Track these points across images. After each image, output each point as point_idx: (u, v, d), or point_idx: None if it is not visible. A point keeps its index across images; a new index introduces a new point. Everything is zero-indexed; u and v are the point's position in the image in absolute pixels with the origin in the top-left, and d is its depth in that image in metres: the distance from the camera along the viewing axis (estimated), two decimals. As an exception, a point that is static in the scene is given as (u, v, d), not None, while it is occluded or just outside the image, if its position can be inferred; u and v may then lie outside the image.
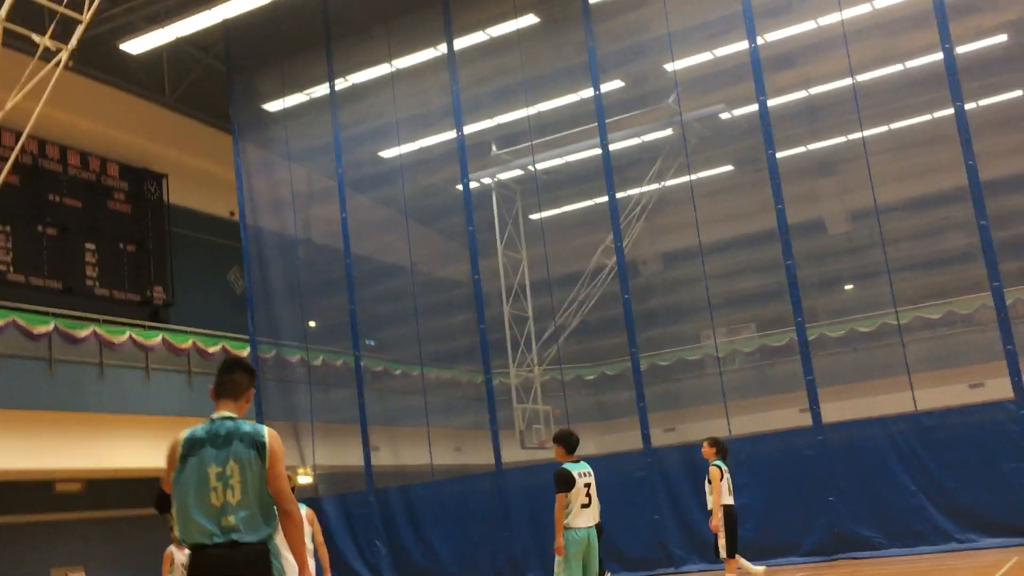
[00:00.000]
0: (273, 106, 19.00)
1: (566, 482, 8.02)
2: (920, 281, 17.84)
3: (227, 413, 4.61)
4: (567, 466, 8.18)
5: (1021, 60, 15.73)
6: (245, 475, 4.41)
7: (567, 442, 8.34)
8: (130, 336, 19.16)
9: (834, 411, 13.51)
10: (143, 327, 20.29)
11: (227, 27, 17.92)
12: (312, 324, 18.90)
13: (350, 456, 17.24)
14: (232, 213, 22.54)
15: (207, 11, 16.53)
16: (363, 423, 16.88)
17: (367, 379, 17.83)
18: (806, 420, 13.48)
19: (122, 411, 18.96)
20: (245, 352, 19.92)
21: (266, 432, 4.54)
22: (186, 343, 20.31)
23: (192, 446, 4.51)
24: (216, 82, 20.82)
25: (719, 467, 10.31)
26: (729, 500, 10.34)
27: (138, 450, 19.71)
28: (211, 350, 20.68)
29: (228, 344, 21.05)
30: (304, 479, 17.68)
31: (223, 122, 20.71)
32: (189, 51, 20.46)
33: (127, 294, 22.22)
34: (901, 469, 12.56)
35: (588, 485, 8.16)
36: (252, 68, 19.07)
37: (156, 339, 19.69)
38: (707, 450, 10.57)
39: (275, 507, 4.47)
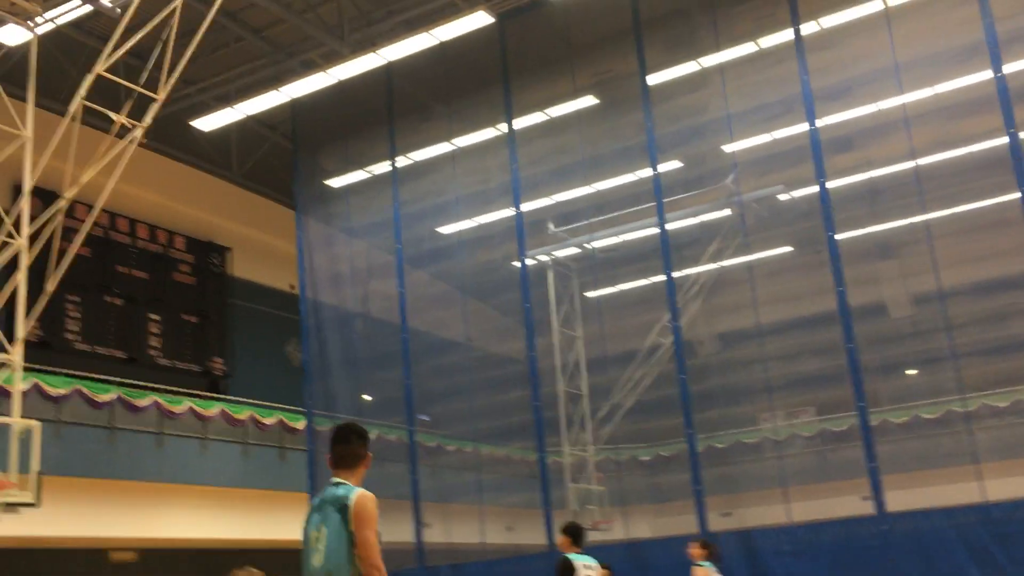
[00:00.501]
0: (335, 182, 19.41)
1: (568, 572, 8.27)
2: (987, 367, 17.38)
3: (338, 480, 4.64)
4: (570, 556, 8.43)
5: (1088, 144, 15.47)
6: (329, 537, 4.40)
7: (574, 534, 8.64)
8: (189, 406, 19.40)
9: (898, 500, 13.11)
10: (202, 397, 20.54)
11: (294, 106, 18.43)
12: (367, 398, 18.97)
13: (401, 532, 17.10)
14: (292, 286, 22.88)
15: (275, 91, 17.07)
16: (415, 499, 16.77)
17: (420, 454, 17.77)
18: (868, 508, 13.09)
19: (179, 481, 19.10)
20: (301, 424, 20.04)
21: (355, 494, 4.48)
22: (243, 414, 20.50)
23: (309, 514, 4.63)
24: (281, 158, 21.37)
25: (706, 568, 10.09)
26: None
27: (193, 520, 19.81)
28: (267, 421, 20.84)
29: (284, 416, 21.21)
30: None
31: (286, 197, 21.19)
32: (256, 129, 21.07)
33: (188, 365, 22.58)
34: (970, 563, 12.09)
35: None
36: (316, 145, 19.55)
37: (214, 409, 19.92)
38: (695, 551, 10.36)
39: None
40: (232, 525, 20.50)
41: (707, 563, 10.09)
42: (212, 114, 18.10)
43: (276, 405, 21.51)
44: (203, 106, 18.67)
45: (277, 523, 21.09)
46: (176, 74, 14.07)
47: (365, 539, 4.38)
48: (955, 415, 16.04)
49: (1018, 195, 12.69)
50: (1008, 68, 13.04)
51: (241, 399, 21.31)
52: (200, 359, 22.91)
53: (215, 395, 21.65)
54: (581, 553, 8.54)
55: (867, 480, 13.04)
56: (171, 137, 20.25)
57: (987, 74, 13.18)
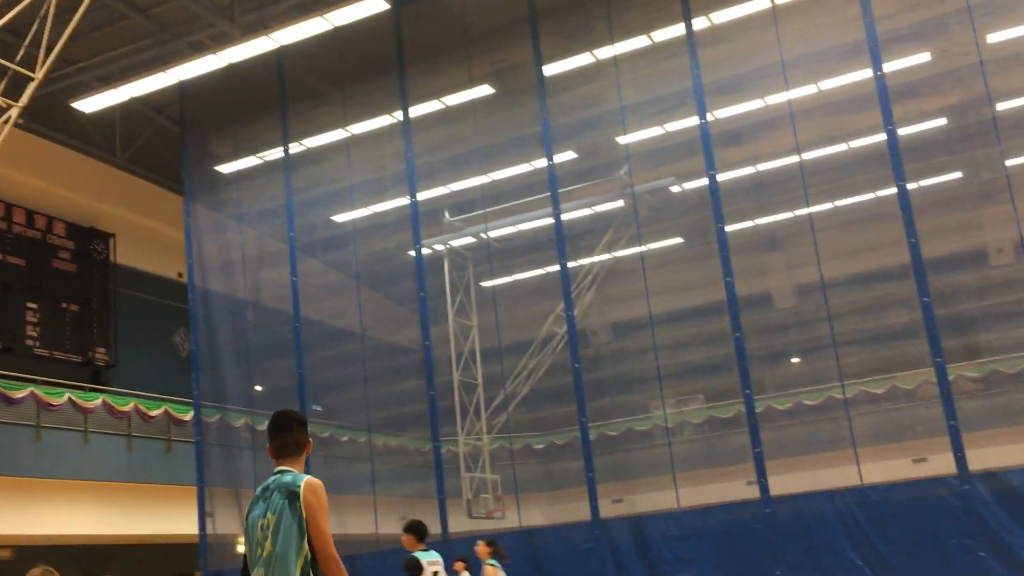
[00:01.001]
0: (226, 168, 18.94)
1: (416, 569, 8.67)
2: (865, 356, 18.10)
3: (283, 468, 4.57)
4: (417, 554, 8.86)
5: (960, 143, 16.25)
6: (277, 528, 4.31)
7: (417, 531, 9.07)
8: (69, 398, 18.71)
9: (781, 484, 13.53)
10: (83, 389, 19.84)
11: (181, 88, 17.90)
12: (258, 388, 18.62)
13: (293, 524, 16.83)
14: (180, 274, 22.29)
15: (162, 72, 16.51)
16: (307, 490, 16.49)
17: (313, 445, 17.52)
18: (754, 492, 13.48)
19: (58, 475, 18.43)
20: (188, 416, 19.55)
21: (303, 481, 4.39)
22: (127, 406, 19.89)
23: (253, 503, 4.52)
24: (168, 142, 20.75)
25: (494, 566, 10.46)
26: None
27: (73, 516, 19.14)
28: (153, 414, 20.28)
29: (171, 408, 20.66)
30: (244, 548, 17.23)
31: (174, 183, 20.59)
32: (142, 111, 20.40)
33: (68, 355, 21.77)
34: (848, 544, 12.58)
35: (436, 572, 8.81)
36: (206, 129, 19.03)
37: (96, 401, 19.26)
38: (481, 549, 10.69)
39: (315, 565, 4.28)
40: (115, 521, 19.90)
41: (494, 561, 10.39)
42: (95, 95, 17.40)
43: (162, 396, 20.95)
44: (85, 87, 17.95)
45: (163, 518, 20.58)
46: (55, 53, 13.50)
47: (319, 528, 4.31)
48: (835, 401, 16.66)
49: (895, 190, 13.23)
50: (887, 67, 13.56)
51: (125, 390, 20.67)
52: (81, 349, 22.11)
53: (97, 386, 20.92)
54: (426, 550, 8.98)
55: (752, 465, 13.43)
56: (51, 118, 19.43)
57: (868, 72, 13.67)
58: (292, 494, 4.34)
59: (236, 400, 18.24)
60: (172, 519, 20.27)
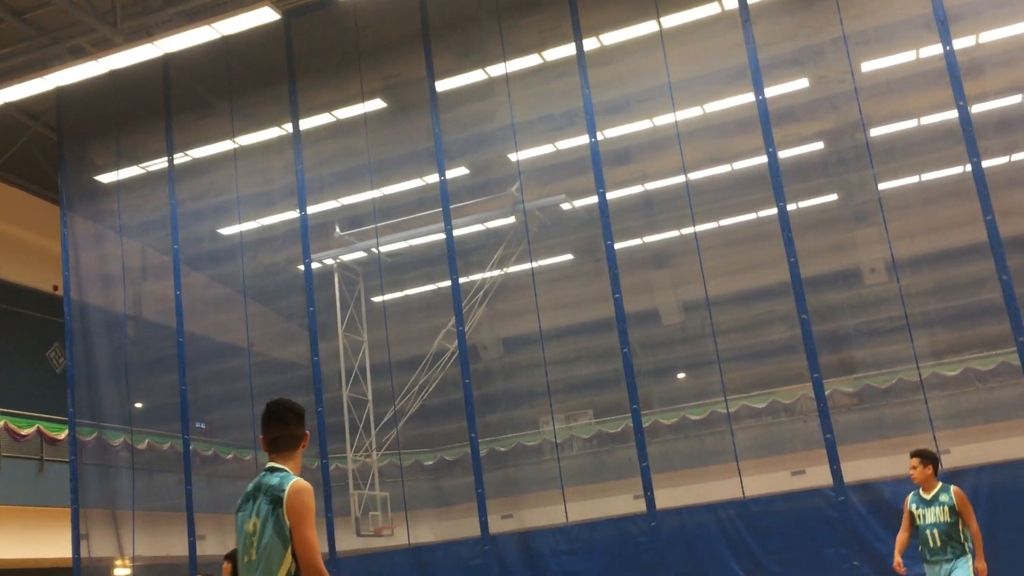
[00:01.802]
0: (106, 178, 18.32)
1: None
2: (747, 371, 18.62)
3: (274, 465, 4.32)
4: None
5: (836, 166, 16.92)
6: (261, 534, 4.08)
7: (235, 560, 9.52)
8: (-68, 416, 17.76)
9: (667, 497, 13.79)
10: (-52, 406, 18.87)
11: (59, 94, 17.27)
12: (138, 405, 18.01)
13: (174, 546, 16.34)
14: (55, 287, 21.39)
15: (38, 78, 15.89)
16: (189, 510, 16.07)
17: (195, 464, 17.06)
18: (640, 506, 13.70)
19: (-82, 498, 17.45)
20: (63, 435, 18.77)
21: (289, 485, 4.14)
22: (-3, 424, 18.98)
23: (242, 500, 4.28)
24: (44, 150, 19.96)
25: None
26: None
27: (-66, 541, 18.14)
28: (25, 432, 19.40)
29: (44, 426, 19.81)
30: (122, 572, 16.62)
31: (50, 191, 19.82)
32: (16, 116, 19.55)
33: (-68, 371, 20.68)
34: (730, 555, 12.90)
35: None
36: (85, 137, 18.39)
37: (-38, 420, 18.32)
38: (226, 568, 10.95)
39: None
40: (-18, 545, 18.94)
41: None
42: (-35, 99, 16.64)
43: (35, 415, 20.06)
44: (-45, 89, 17.13)
45: (35, 542, 19.68)
46: (-78, 53, 12.86)
47: (302, 537, 4.05)
48: (718, 416, 17.08)
49: (775, 211, 13.69)
50: (768, 92, 14.05)
51: (-6, 408, 19.74)
52: (-53, 365, 21.03)
53: (-36, 404, 19.92)
54: None
55: (639, 479, 13.65)
56: (-84, 122, 18.50)
57: (750, 96, 14.14)
58: (276, 499, 4.11)
59: (114, 418, 17.61)
60: (45, 542, 19.40)
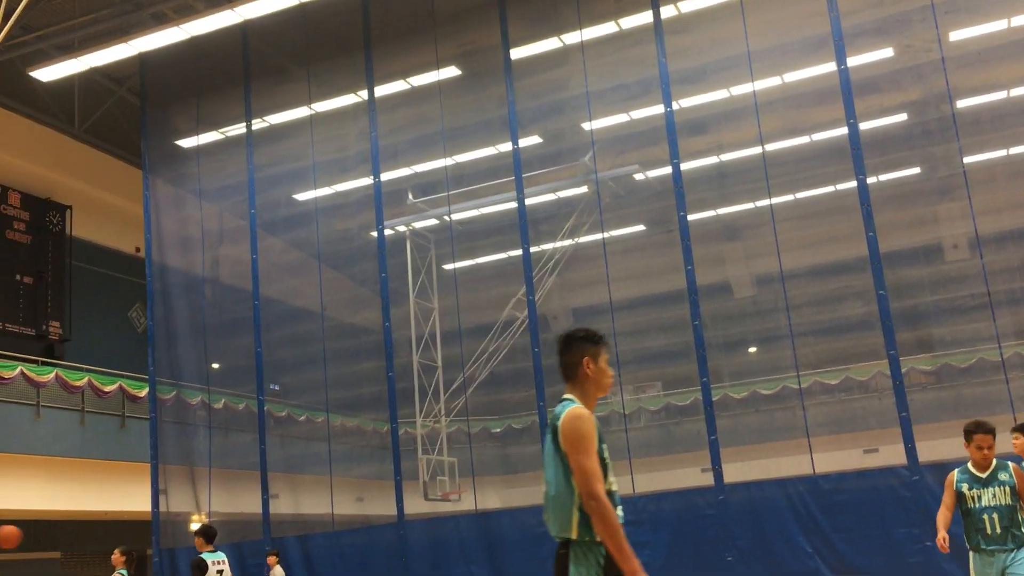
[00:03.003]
0: (186, 142, 18.69)
1: (200, 569, 10.04)
2: (820, 347, 18.33)
3: (564, 395, 4.20)
4: (204, 555, 10.18)
5: (919, 139, 16.46)
6: (547, 464, 4.03)
7: (207, 534, 10.41)
8: (21, 371, 18.42)
9: (735, 471, 13.70)
10: (36, 362, 19.55)
11: (143, 60, 17.63)
12: (215, 366, 18.46)
13: (248, 503, 16.78)
14: (137, 249, 22.01)
15: (123, 43, 16.24)
16: (263, 469, 16.46)
17: (269, 424, 17.45)
18: (708, 480, 13.63)
19: (10, 450, 18.16)
20: (143, 392, 19.34)
21: (565, 413, 4.00)
22: (81, 381, 19.63)
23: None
24: (128, 115, 20.43)
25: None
26: None
27: (25, 491, 18.89)
28: (107, 389, 20.03)
29: (126, 383, 20.43)
30: (198, 526, 17.13)
31: (133, 156, 20.30)
32: (102, 82, 20.05)
33: (21, 328, 21.43)
34: (798, 531, 12.78)
35: (221, 572, 10.10)
36: (167, 103, 18.76)
37: (49, 376, 18.98)
38: (116, 558, 11.15)
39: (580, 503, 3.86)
40: (66, 496, 19.67)
41: (124, 572, 10.75)
42: (53, 64, 17.08)
43: (117, 372, 20.69)
44: (43, 55, 17.59)
45: (116, 495, 20.38)
46: (13, 19, 13.22)
47: (577, 465, 3.89)
48: (790, 391, 16.85)
49: (854, 184, 13.38)
50: (851, 61, 13.69)
51: (79, 365, 20.40)
52: (35, 322, 21.77)
53: (50, 360, 20.63)
54: (214, 551, 10.34)
55: (707, 453, 13.58)
56: (8, 87, 19.07)
57: (831, 66, 13.80)
58: (554, 429, 4.01)
59: (192, 377, 18.08)
60: (125, 496, 20.08)
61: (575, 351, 4.24)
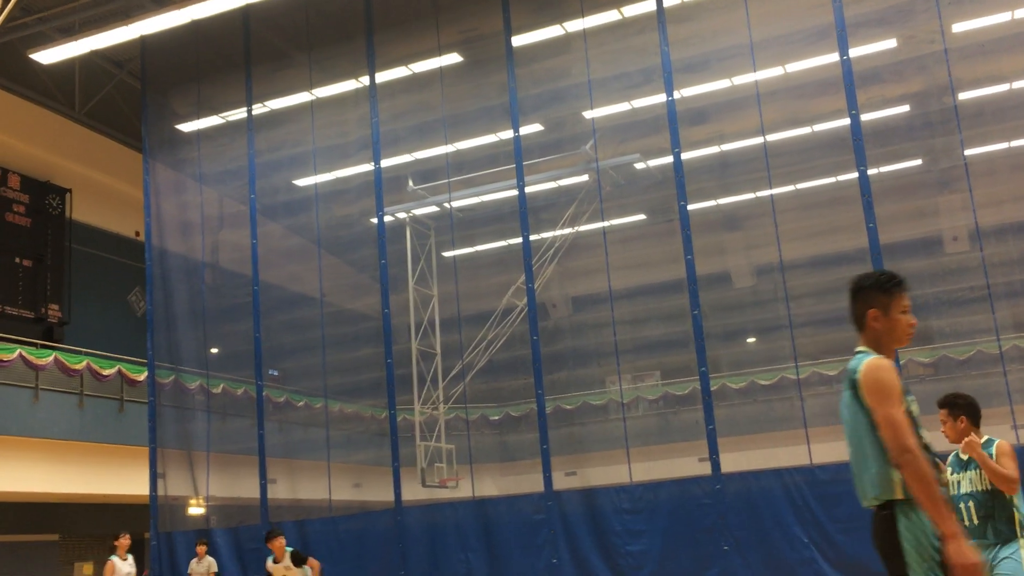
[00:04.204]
0: (187, 126, 18.65)
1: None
2: (819, 337, 18.35)
3: (858, 348, 3.92)
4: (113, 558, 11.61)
5: (921, 130, 16.44)
6: (847, 423, 3.77)
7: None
8: (20, 354, 18.43)
9: (733, 461, 13.72)
10: (35, 345, 19.56)
11: (144, 43, 17.57)
12: (214, 351, 18.48)
13: (246, 488, 16.81)
14: (137, 233, 21.99)
15: (124, 26, 16.19)
16: (261, 454, 16.48)
17: (268, 409, 17.47)
18: (705, 469, 13.66)
19: (8, 432, 18.18)
20: (142, 376, 19.36)
21: (863, 364, 3.73)
22: (80, 364, 19.64)
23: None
24: (129, 98, 20.39)
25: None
26: None
27: (22, 473, 18.93)
28: (106, 373, 20.04)
29: (125, 367, 20.44)
30: (196, 510, 17.18)
31: (133, 139, 20.25)
32: (102, 65, 20.00)
33: (20, 310, 21.42)
34: (795, 521, 12.81)
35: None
36: (167, 86, 18.71)
37: (48, 359, 18.99)
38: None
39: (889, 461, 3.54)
40: (65, 479, 19.71)
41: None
42: (54, 47, 17.02)
43: (116, 356, 20.70)
44: (44, 37, 17.55)
45: (114, 478, 20.43)
46: (14, 1, 13.16)
47: (884, 417, 3.60)
48: (788, 382, 16.90)
49: (855, 175, 13.36)
50: (853, 52, 13.65)
51: (78, 348, 20.41)
52: (34, 305, 21.77)
53: (49, 343, 20.64)
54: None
55: (705, 442, 13.60)
56: (8, 69, 19.00)
57: (834, 57, 13.76)
58: (852, 383, 3.76)
59: (191, 362, 18.09)
60: (123, 479, 20.13)
61: (859, 303, 3.97)
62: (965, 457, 6.00)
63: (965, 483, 5.94)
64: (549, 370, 16.28)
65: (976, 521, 5.80)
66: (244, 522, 16.68)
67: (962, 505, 5.88)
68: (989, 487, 5.81)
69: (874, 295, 3.92)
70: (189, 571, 14.73)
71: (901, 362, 13.16)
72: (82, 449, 19.78)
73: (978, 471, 5.85)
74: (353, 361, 18.41)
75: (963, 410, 6.00)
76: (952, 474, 6.07)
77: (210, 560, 14.89)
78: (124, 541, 14.16)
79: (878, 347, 3.88)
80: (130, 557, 14.06)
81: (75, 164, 22.63)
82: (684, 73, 15.35)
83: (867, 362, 3.76)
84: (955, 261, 16.92)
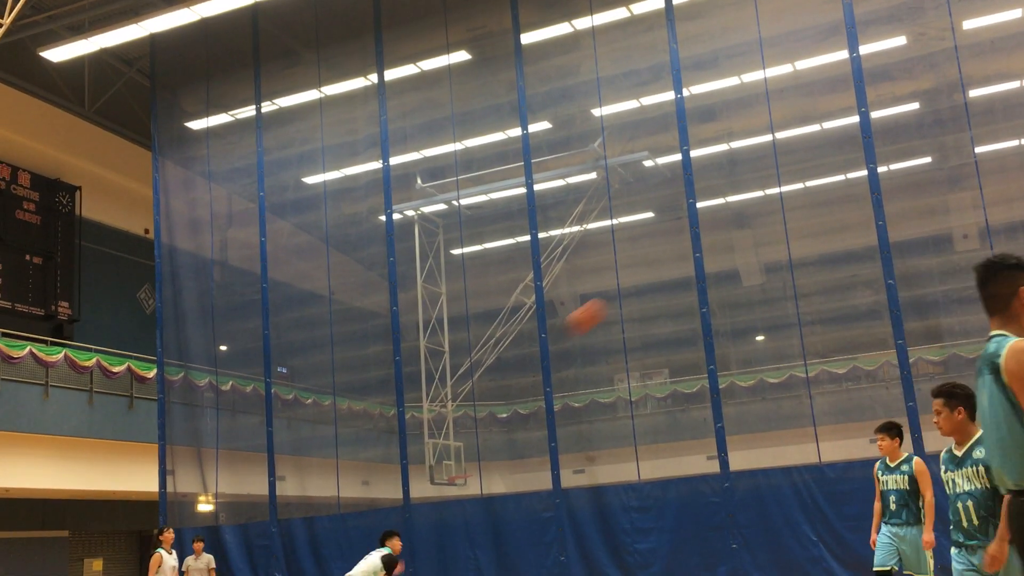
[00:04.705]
0: (196, 124, 18.69)
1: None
2: (828, 335, 18.30)
3: (994, 331, 3.70)
4: None
5: (931, 128, 16.38)
6: (987, 410, 3.59)
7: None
8: (30, 351, 18.50)
9: (741, 459, 13.69)
10: (45, 343, 19.63)
11: (153, 41, 17.62)
12: (223, 348, 18.52)
13: (254, 485, 16.86)
14: (146, 230, 22.04)
15: (133, 24, 16.25)
16: (270, 451, 16.53)
17: (277, 407, 17.49)
18: (714, 467, 13.64)
19: (18, 429, 18.25)
20: (152, 373, 19.41)
21: (1007, 347, 3.52)
22: (90, 361, 19.70)
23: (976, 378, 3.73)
24: (138, 96, 20.42)
25: None
26: None
27: (33, 470, 19.01)
28: (115, 370, 20.10)
29: (134, 364, 20.50)
30: (205, 507, 17.23)
31: (143, 137, 20.30)
32: (112, 63, 20.04)
33: (30, 308, 21.50)
34: (803, 519, 12.79)
35: None
36: (177, 84, 18.76)
37: (58, 356, 19.05)
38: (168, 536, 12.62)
39: None
40: (74, 476, 19.79)
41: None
42: (64, 45, 17.09)
43: (125, 353, 20.76)
44: (54, 35, 17.60)
45: (123, 475, 20.49)
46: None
47: None
48: (797, 380, 16.84)
49: (865, 172, 13.32)
50: (863, 49, 13.61)
51: (87, 345, 20.48)
52: (44, 302, 21.84)
53: (59, 340, 20.71)
54: None
55: (713, 440, 13.58)
56: (18, 67, 19.05)
57: (843, 54, 13.72)
58: (994, 367, 3.56)
59: (200, 359, 18.14)
60: (132, 476, 20.19)
61: (1003, 281, 3.71)
62: (959, 453, 5.69)
63: (962, 481, 5.57)
64: (557, 368, 16.27)
65: (976, 520, 5.45)
66: (253, 519, 16.72)
67: (960, 504, 5.54)
68: (989, 485, 5.42)
69: (1021, 274, 3.72)
70: (185, 568, 14.67)
71: (911, 360, 13.13)
72: (92, 446, 19.85)
73: (974, 468, 5.50)
74: (362, 358, 18.42)
75: (962, 401, 5.51)
76: (946, 472, 5.72)
77: (208, 556, 14.90)
78: (168, 535, 14.44)
79: (1020, 330, 3.67)
80: (174, 551, 14.34)
81: (85, 162, 22.69)
82: (693, 70, 15.31)
83: (1012, 345, 3.56)
84: (965, 259, 16.82)
